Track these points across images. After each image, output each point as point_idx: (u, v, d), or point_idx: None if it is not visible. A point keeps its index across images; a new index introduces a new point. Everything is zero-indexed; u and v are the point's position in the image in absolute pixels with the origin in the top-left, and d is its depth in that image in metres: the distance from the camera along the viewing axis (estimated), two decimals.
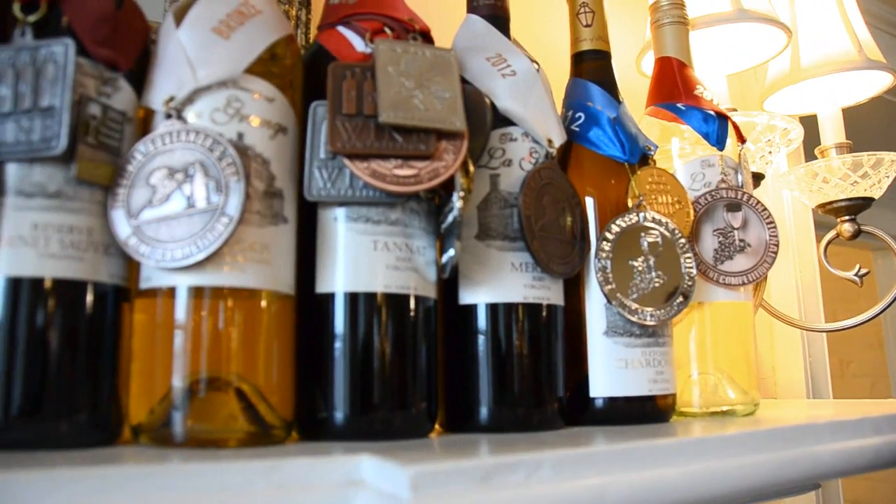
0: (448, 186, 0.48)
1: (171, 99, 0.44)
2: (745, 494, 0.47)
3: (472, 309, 0.52)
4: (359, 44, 0.50)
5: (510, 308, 0.52)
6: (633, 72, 1.05)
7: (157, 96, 0.45)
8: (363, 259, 0.47)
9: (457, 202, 0.47)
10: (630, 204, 0.58)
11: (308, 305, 0.47)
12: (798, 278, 1.32)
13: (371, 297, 0.47)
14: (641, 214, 0.58)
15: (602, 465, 0.40)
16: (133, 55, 0.46)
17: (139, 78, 0.46)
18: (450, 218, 0.47)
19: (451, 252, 0.48)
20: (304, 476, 0.37)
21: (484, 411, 0.51)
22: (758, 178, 1.00)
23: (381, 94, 0.46)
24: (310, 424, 0.47)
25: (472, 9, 0.59)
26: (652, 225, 0.58)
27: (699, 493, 0.42)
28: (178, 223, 0.42)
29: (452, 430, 0.53)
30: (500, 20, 0.58)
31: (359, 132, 0.46)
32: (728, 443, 0.46)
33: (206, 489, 0.35)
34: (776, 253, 0.65)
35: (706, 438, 0.46)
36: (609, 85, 0.62)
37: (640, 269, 0.56)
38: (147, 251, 0.42)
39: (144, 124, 0.46)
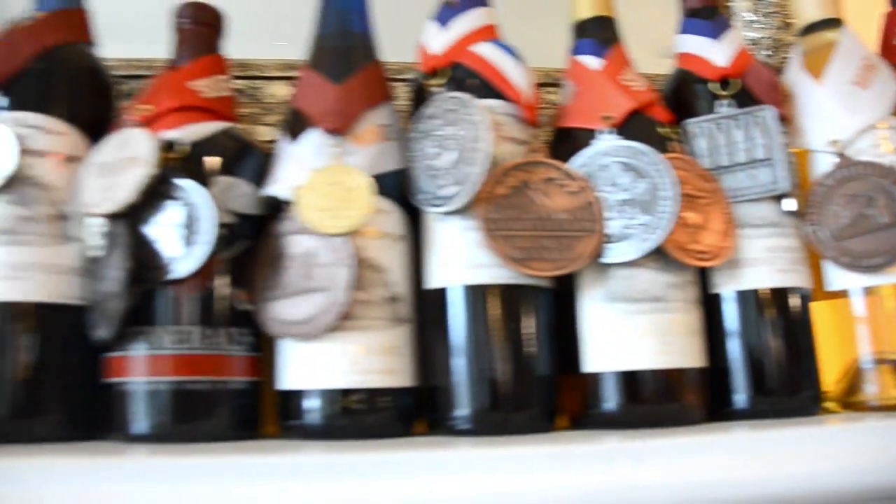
0: None
1: (835, 142, 0.57)
2: None
3: None
4: None
5: None
6: None
7: (816, 139, 0.57)
8: None
9: None
10: None
11: None
12: None
13: None
14: None
15: None
16: None
17: None
18: None
19: None
20: None
21: None
22: None
23: None
24: None
25: None
26: None
27: None
28: (868, 238, 0.55)
29: None
30: None
31: None
32: None
33: None
34: None
35: None
36: None
37: None
38: (846, 262, 0.55)
39: (801, 161, 0.59)
